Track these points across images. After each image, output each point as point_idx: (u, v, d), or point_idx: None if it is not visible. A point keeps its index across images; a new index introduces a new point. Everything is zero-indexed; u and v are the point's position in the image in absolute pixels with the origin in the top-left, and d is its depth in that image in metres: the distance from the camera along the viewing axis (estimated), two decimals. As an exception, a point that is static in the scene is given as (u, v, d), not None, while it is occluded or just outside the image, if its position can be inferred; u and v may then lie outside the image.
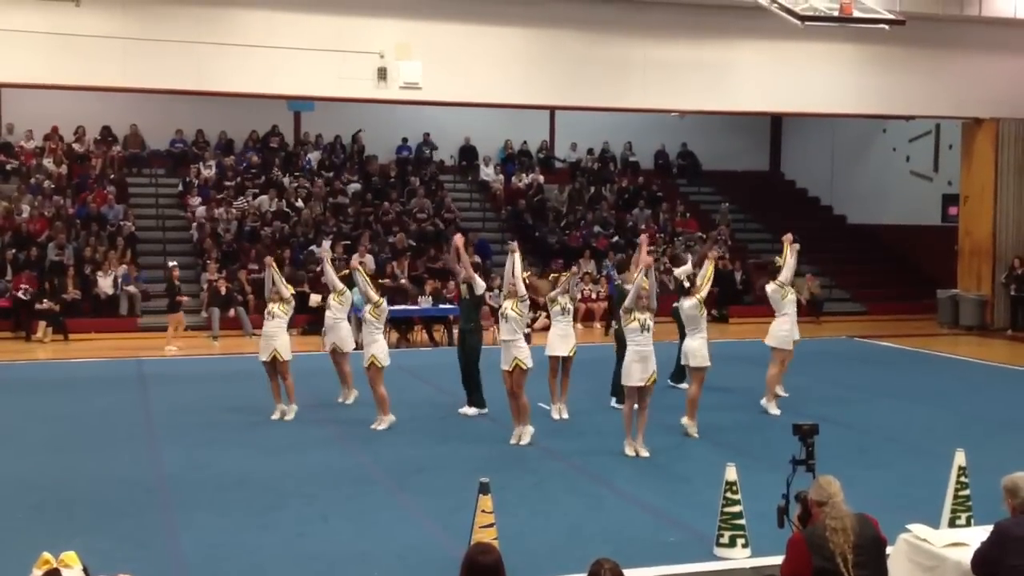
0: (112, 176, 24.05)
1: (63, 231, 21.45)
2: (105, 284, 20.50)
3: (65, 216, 22.23)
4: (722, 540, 7.28)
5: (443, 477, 9.55)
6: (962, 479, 7.61)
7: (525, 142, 28.04)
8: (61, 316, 19.37)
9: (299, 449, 10.73)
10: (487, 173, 27.25)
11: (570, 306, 12.21)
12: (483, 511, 6.60)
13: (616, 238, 25.14)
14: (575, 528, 8.01)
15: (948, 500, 7.59)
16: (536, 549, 7.41)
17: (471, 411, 12.22)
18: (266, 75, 17.33)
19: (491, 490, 6.65)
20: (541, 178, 27.08)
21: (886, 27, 16.49)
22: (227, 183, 24.51)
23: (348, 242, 22.70)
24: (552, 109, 26.38)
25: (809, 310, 22.81)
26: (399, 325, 19.06)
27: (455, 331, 18.78)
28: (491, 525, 6.57)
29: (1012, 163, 21.51)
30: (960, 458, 7.66)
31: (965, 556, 5.48)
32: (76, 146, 24.67)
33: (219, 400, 13.46)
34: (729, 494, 7.24)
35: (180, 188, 24.46)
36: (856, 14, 16.16)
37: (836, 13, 15.95)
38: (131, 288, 20.63)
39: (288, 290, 12.40)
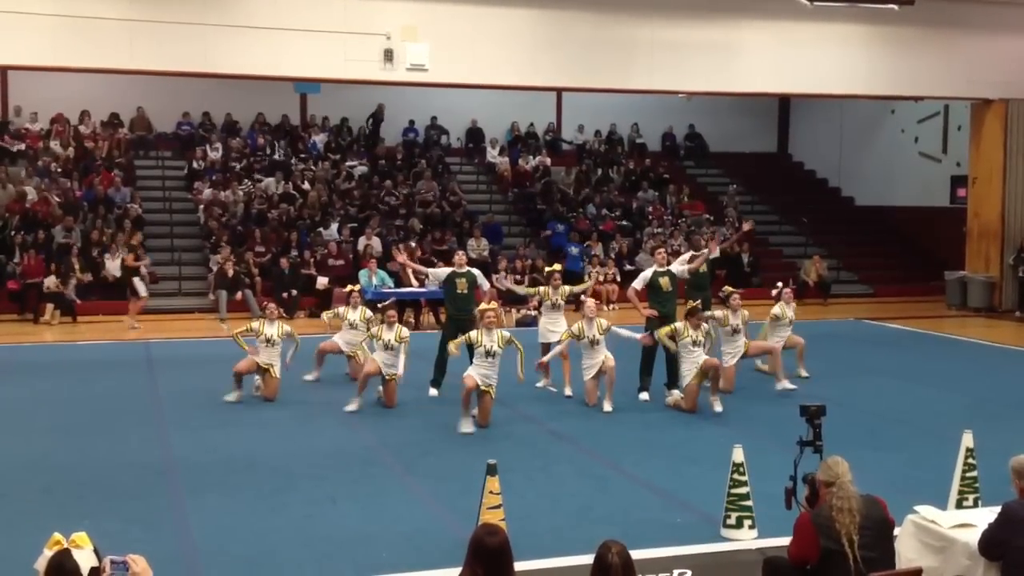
0: (119, 159, 24.06)
1: (70, 214, 21.47)
2: (112, 267, 20.53)
3: (72, 199, 22.25)
4: (729, 521, 7.29)
5: (450, 459, 9.57)
6: (970, 460, 7.61)
7: (532, 124, 27.97)
8: (71, 299, 19.42)
9: (307, 431, 10.77)
10: (494, 155, 27.20)
11: (561, 302, 12.65)
12: (490, 492, 6.62)
13: (623, 221, 25.09)
14: (582, 510, 8.03)
15: (956, 481, 7.59)
16: (543, 531, 7.43)
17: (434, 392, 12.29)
18: (273, 57, 17.30)
19: (498, 472, 6.66)
20: (548, 160, 27.02)
21: (895, 7, 16.43)
22: (233, 164, 24.51)
23: (355, 224, 22.71)
24: (559, 91, 26.30)
25: (816, 292, 22.79)
26: (405, 308, 19.05)
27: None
28: (498, 507, 6.59)
29: (1021, 144, 21.41)
30: (968, 439, 7.65)
31: (973, 537, 5.49)
32: (82, 128, 24.67)
33: (227, 382, 13.44)
34: (736, 475, 7.25)
35: (187, 171, 24.46)
36: (865, -6, 16.11)
37: (845, -7, 15.91)
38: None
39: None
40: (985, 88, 21.06)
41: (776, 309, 13.31)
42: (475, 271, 12.60)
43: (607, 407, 11.40)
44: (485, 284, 12.74)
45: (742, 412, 11.55)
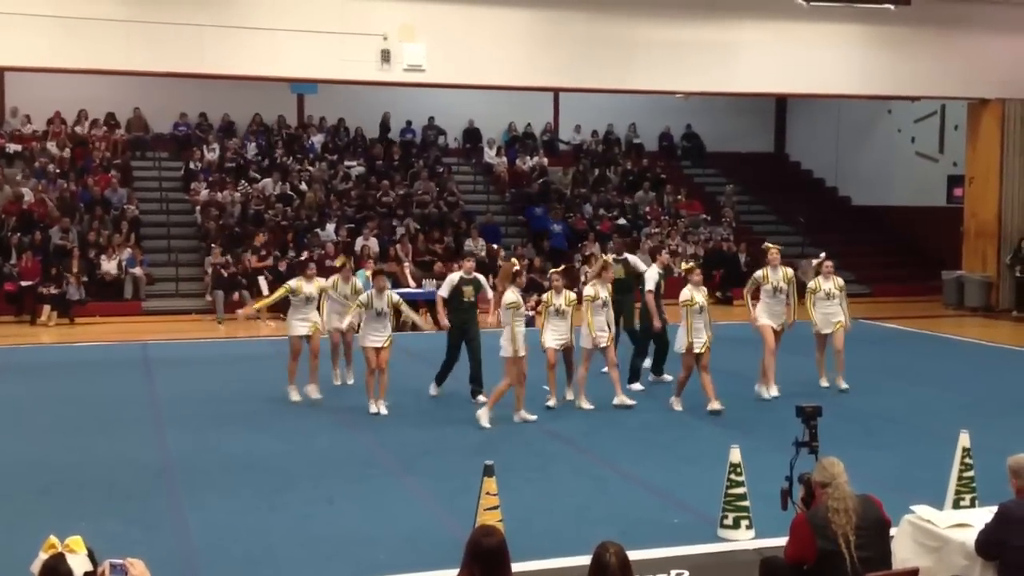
0: (116, 160, 24.05)
1: (67, 215, 21.48)
2: (109, 268, 20.53)
3: (69, 200, 22.25)
4: (726, 521, 7.30)
5: (448, 459, 9.58)
6: (966, 460, 7.62)
7: (529, 124, 27.98)
8: (68, 300, 19.41)
9: (305, 432, 10.77)
10: (491, 156, 27.21)
11: (565, 307, 11.64)
12: (488, 493, 6.62)
13: (620, 220, 25.11)
14: (580, 510, 8.04)
15: (952, 481, 7.59)
16: (541, 531, 7.44)
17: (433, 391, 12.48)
18: (270, 58, 17.29)
19: (495, 472, 6.67)
20: (545, 160, 27.04)
21: (891, 7, 16.45)
22: (228, 165, 24.52)
23: (352, 225, 22.71)
24: (556, 91, 26.30)
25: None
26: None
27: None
28: (496, 507, 6.59)
29: (1018, 144, 21.42)
30: (964, 439, 7.66)
31: (969, 537, 5.49)
32: (78, 129, 24.67)
33: (225, 383, 13.50)
34: (733, 475, 7.26)
35: (183, 171, 24.46)
36: (861, -6, 16.12)
37: (841, -7, 15.92)
38: (136, 271, 20.67)
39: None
40: (981, 88, 21.08)
41: (811, 282, 12.97)
42: (480, 277, 12.55)
43: (585, 405, 11.70)
44: (489, 292, 12.70)
45: (739, 412, 11.56)
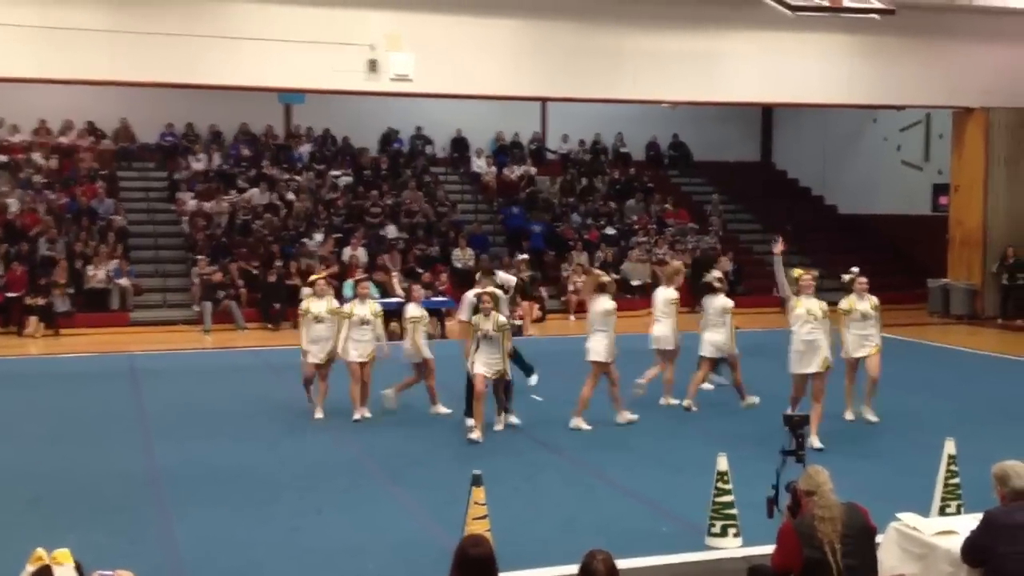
0: (102, 170, 23.99)
1: (53, 225, 21.42)
2: (96, 278, 20.46)
3: (55, 210, 22.18)
4: (714, 530, 7.32)
5: (437, 469, 9.57)
6: (952, 467, 7.66)
7: (517, 134, 28.02)
8: (55, 311, 19.33)
9: (293, 442, 10.75)
10: (479, 165, 27.25)
11: (493, 333, 10.83)
12: (476, 503, 6.63)
13: (608, 229, 25.16)
14: (568, 520, 8.05)
15: (938, 488, 7.64)
16: (529, 541, 7.44)
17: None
18: (257, 68, 17.29)
19: (484, 482, 6.68)
20: (533, 170, 27.09)
21: (876, 16, 16.53)
22: (214, 174, 24.47)
23: (339, 235, 22.70)
24: (543, 100, 26.36)
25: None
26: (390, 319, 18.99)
27: (446, 323, 18.81)
28: (484, 517, 6.60)
29: (1002, 152, 21.56)
30: (950, 447, 7.71)
31: (955, 544, 5.52)
32: (64, 140, 24.60)
33: (212, 394, 13.47)
34: (720, 484, 7.28)
35: (170, 181, 24.41)
36: (846, 3, 16.19)
37: (827, 3, 15.99)
38: (123, 282, 20.60)
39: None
40: (966, 97, 21.22)
41: (843, 302, 11.51)
42: (500, 293, 11.56)
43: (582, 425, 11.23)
44: (506, 309, 11.66)
45: (727, 420, 11.59)
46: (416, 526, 7.99)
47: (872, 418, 11.52)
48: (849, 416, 11.63)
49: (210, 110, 25.08)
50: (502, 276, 12.42)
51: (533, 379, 12.01)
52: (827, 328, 10.58)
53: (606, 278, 11.65)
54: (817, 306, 10.41)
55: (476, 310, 11.16)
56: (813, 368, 10.33)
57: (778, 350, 13.03)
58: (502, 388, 11.21)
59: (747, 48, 19.49)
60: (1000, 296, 21.54)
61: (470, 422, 11.02)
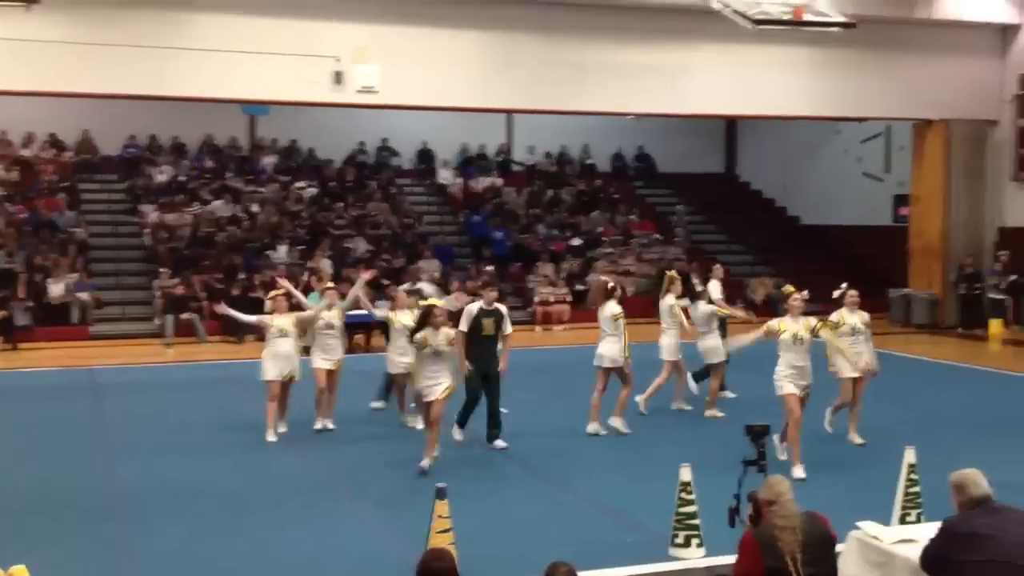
0: (63, 182, 23.75)
1: (13, 238, 21.16)
2: (56, 292, 20.22)
3: (15, 223, 21.92)
4: (677, 540, 7.34)
5: (402, 483, 9.53)
6: (912, 476, 7.74)
7: (483, 145, 28.07)
8: (14, 325, 19.06)
9: (257, 456, 10.67)
10: (445, 176, 27.25)
11: (445, 349, 9.96)
12: (439, 516, 6.60)
13: (574, 240, 25.22)
14: (533, 532, 8.03)
15: (899, 497, 7.71)
16: (493, 554, 7.42)
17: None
18: (221, 79, 17.20)
19: (448, 495, 6.66)
20: (499, 181, 27.13)
21: (837, 29, 16.72)
22: (179, 186, 24.30)
23: (304, 247, 22.60)
24: (509, 112, 26.43)
25: (766, 310, 23.02)
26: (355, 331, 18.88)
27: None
28: (448, 531, 6.57)
29: (962, 164, 21.84)
30: (910, 456, 7.78)
31: (914, 553, 5.55)
32: (25, 152, 24.33)
33: (175, 408, 13.34)
34: (684, 494, 7.30)
35: (132, 194, 24.20)
36: (808, 17, 16.38)
37: (788, 16, 16.17)
38: (83, 295, 20.37)
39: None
40: (926, 109, 21.50)
41: (834, 315, 11.14)
42: (503, 308, 11.09)
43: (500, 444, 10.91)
44: (508, 327, 11.00)
45: (694, 430, 11.64)
46: (380, 541, 7.95)
47: (859, 440, 11.00)
48: (858, 440, 11.01)
49: (173, 121, 24.91)
50: (427, 290, 12.37)
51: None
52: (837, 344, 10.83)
53: (613, 283, 11.88)
54: (804, 329, 10.03)
55: (476, 322, 10.73)
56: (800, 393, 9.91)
57: (749, 360, 13.16)
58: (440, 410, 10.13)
59: (710, 61, 19.66)
60: (959, 306, 21.80)
61: (458, 436, 10.95)
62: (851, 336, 11.02)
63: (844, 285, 11.52)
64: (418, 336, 9.89)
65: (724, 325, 13.54)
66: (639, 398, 12.35)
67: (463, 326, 10.76)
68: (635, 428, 11.73)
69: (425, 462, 9.77)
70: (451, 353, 9.99)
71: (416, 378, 10.08)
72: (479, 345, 10.82)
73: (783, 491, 5.10)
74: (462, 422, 11.07)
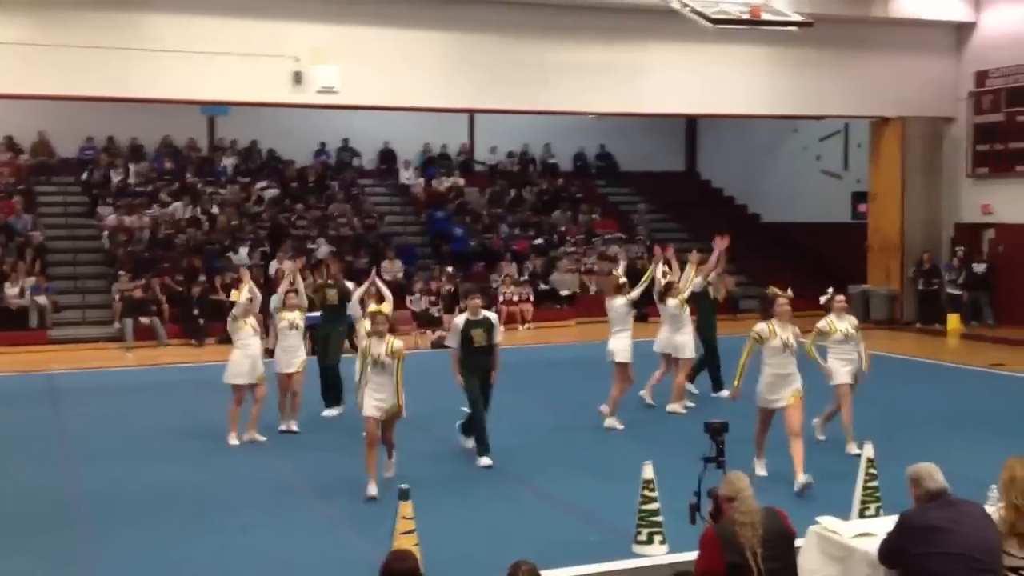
0: (19, 185, 23.42)
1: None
2: (13, 296, 19.94)
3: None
4: (640, 537, 7.39)
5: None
6: (871, 470, 7.84)
7: (445, 145, 28.02)
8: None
9: (219, 460, 10.60)
10: (407, 177, 27.18)
11: (386, 360, 9.06)
12: (403, 517, 6.61)
13: (536, 240, 25.26)
14: (497, 532, 8.05)
15: (858, 491, 7.80)
16: (457, 555, 7.43)
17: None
18: (180, 80, 17.01)
19: (411, 496, 6.66)
20: (461, 181, 27.11)
21: (795, 28, 16.86)
22: (139, 189, 24.06)
23: (265, 248, 22.45)
24: (471, 112, 26.41)
25: (727, 307, 23.18)
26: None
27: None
28: (411, 531, 6.58)
29: (918, 161, 22.11)
30: (868, 450, 7.88)
31: (873, 546, 5.60)
32: (-19, 154, 23.99)
33: (135, 412, 13.21)
34: (646, 491, 7.35)
35: (90, 196, 23.91)
36: (765, 16, 16.50)
37: (746, 16, 16.28)
38: (41, 299, 20.11)
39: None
40: (883, 107, 21.75)
41: (822, 322, 10.79)
42: (492, 316, 10.47)
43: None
44: (499, 334, 10.43)
45: (657, 428, 11.71)
46: (344, 542, 7.93)
47: (856, 450, 9.63)
48: (855, 450, 9.89)
49: (131, 123, 24.60)
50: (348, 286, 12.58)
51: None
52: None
53: (624, 279, 12.05)
54: (792, 335, 9.66)
55: (465, 334, 10.07)
56: (782, 403, 9.45)
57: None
58: (391, 429, 9.46)
59: (670, 60, 19.75)
60: (917, 301, 22.08)
61: (467, 444, 10.56)
62: (844, 342, 10.64)
63: (831, 290, 11.09)
64: (362, 345, 9.33)
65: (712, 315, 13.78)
66: (642, 392, 12.76)
67: (451, 342, 10.24)
68: (598, 425, 11.77)
69: (371, 488, 8.91)
70: (393, 365, 9.04)
71: (357, 390, 9.39)
72: (472, 357, 10.15)
73: (743, 487, 5.14)
74: (468, 431, 10.63)
